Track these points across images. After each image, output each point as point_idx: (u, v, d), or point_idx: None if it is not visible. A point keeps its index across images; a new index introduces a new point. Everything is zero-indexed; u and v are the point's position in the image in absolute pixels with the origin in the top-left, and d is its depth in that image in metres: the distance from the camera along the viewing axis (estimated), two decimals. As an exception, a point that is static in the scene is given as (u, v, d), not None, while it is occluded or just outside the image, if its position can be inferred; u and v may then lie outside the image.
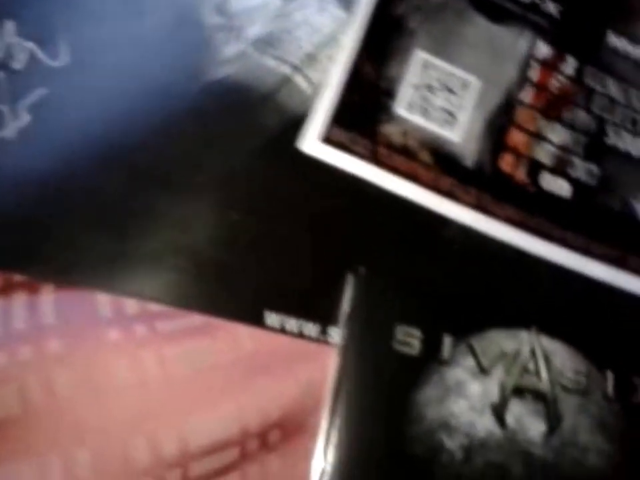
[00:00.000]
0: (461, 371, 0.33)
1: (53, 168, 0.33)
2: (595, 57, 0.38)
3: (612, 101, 0.38)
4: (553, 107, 0.38)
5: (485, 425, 0.32)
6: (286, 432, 0.32)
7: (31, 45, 0.35)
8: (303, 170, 0.35)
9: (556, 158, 0.37)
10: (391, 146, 0.36)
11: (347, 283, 0.34)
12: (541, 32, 0.38)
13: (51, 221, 0.33)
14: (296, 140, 0.35)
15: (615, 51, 0.39)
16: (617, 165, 0.38)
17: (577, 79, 0.38)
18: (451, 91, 0.36)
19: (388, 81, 0.36)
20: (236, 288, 0.34)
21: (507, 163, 0.37)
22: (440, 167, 0.36)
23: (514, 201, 0.37)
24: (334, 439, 0.31)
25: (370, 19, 0.36)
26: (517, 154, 0.37)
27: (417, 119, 0.36)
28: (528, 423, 0.33)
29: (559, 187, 0.37)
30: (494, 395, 0.33)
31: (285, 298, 0.34)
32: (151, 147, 0.34)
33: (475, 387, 0.33)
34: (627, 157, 0.38)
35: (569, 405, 0.33)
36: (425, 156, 0.36)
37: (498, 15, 0.37)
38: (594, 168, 0.37)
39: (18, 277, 0.32)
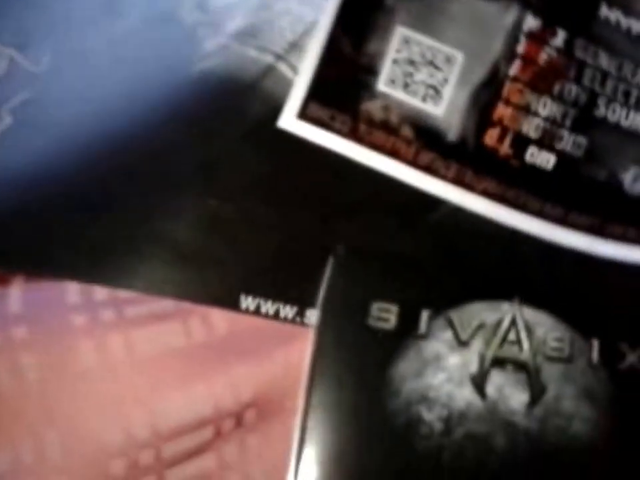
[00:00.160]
0: (438, 344, 0.33)
1: (34, 166, 0.34)
2: (587, 29, 0.38)
3: (603, 73, 0.38)
4: (542, 81, 0.37)
5: (465, 396, 0.32)
6: (263, 412, 0.32)
7: (11, 51, 0.36)
8: (282, 152, 0.35)
9: (543, 131, 0.37)
10: (371, 122, 0.35)
11: (327, 263, 0.34)
12: (529, 5, 0.37)
13: (26, 214, 0.33)
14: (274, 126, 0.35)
15: (608, 23, 0.38)
16: (606, 137, 0.37)
17: (567, 51, 0.37)
18: (434, 65, 0.36)
19: (368, 57, 0.36)
20: (211, 273, 0.34)
21: (491, 137, 0.36)
22: (421, 141, 0.35)
23: (495, 174, 0.36)
24: (312, 418, 0.31)
25: None
26: (503, 128, 0.36)
27: (399, 94, 0.36)
28: (509, 393, 0.32)
29: (544, 159, 0.36)
30: (473, 366, 0.32)
31: (262, 281, 0.34)
32: (133, 141, 0.34)
33: (453, 359, 0.32)
34: (616, 128, 0.37)
35: (552, 374, 0.32)
36: (407, 131, 0.35)
37: None
38: (582, 140, 0.37)
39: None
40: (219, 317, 0.33)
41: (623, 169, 0.37)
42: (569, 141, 0.37)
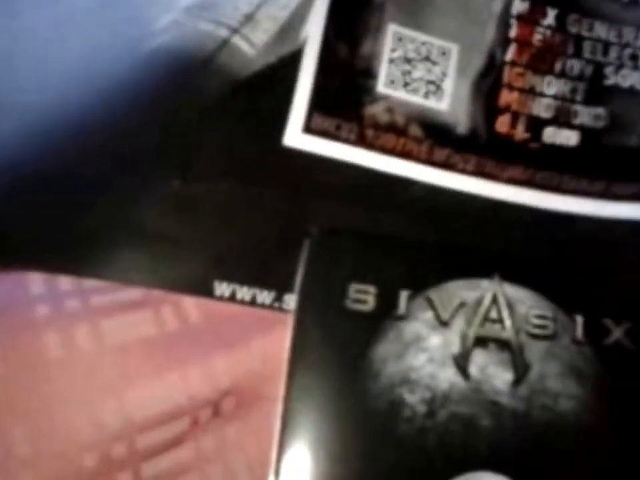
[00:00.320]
0: (419, 325, 0.32)
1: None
2: (576, 3, 0.37)
3: (604, 43, 0.37)
4: (540, 61, 0.37)
5: (447, 377, 0.31)
6: (242, 400, 0.31)
7: None
8: (249, 132, 0.34)
9: (556, 110, 0.36)
10: (377, 126, 0.35)
11: (303, 246, 0.33)
12: None
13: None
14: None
15: None
16: (623, 103, 0.37)
17: (560, 28, 0.37)
18: (430, 60, 0.36)
19: (364, 60, 0.35)
20: (181, 259, 0.33)
21: (502, 123, 0.36)
22: (432, 139, 0.35)
23: (518, 160, 0.35)
24: (293, 405, 0.30)
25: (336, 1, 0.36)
26: (512, 113, 0.36)
27: (400, 94, 0.35)
28: (493, 372, 0.31)
29: (564, 137, 0.36)
30: (455, 346, 0.32)
31: (236, 266, 0.33)
32: (92, 122, 0.33)
33: (434, 340, 0.32)
34: (632, 92, 0.37)
35: (536, 352, 0.32)
36: (415, 130, 0.35)
37: None
38: (599, 111, 0.36)
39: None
40: (193, 305, 0.32)
41: None
42: (586, 115, 0.36)
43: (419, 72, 0.35)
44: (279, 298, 0.33)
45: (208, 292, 0.32)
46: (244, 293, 0.33)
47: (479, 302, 0.32)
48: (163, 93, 0.34)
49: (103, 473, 0.28)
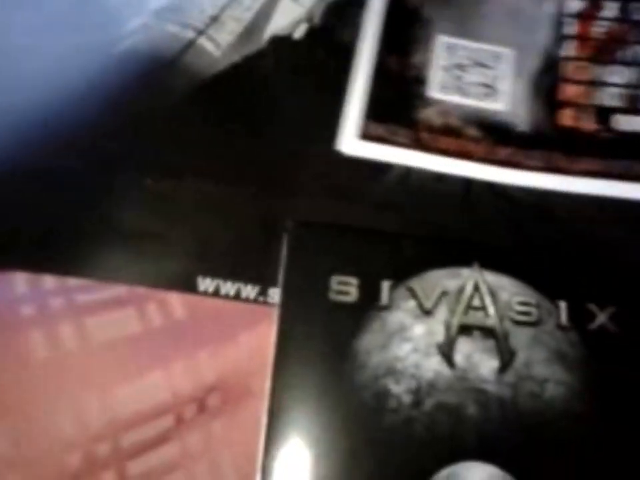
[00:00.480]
0: (402, 315, 0.32)
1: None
2: None
3: None
4: (603, 52, 0.38)
5: (433, 366, 0.31)
6: (228, 396, 0.31)
7: None
8: (224, 127, 0.34)
9: (624, 97, 0.36)
10: (432, 129, 0.35)
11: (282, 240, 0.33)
12: None
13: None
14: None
15: None
16: None
17: (624, 18, 0.37)
18: (483, 65, 0.37)
19: (415, 69, 0.36)
20: (165, 256, 0.33)
21: (567, 117, 0.36)
22: (492, 138, 0.35)
23: (588, 151, 0.35)
24: (280, 399, 0.30)
25: (385, 13, 0.37)
26: (576, 106, 0.36)
27: (454, 98, 0.36)
28: (478, 360, 0.31)
29: (637, 123, 0.36)
30: (439, 335, 0.31)
31: (220, 261, 0.33)
32: (65, 123, 0.34)
33: (418, 329, 0.31)
34: None
35: (520, 338, 0.32)
36: (472, 131, 0.36)
37: None
38: None
39: None
40: (177, 301, 0.32)
41: None
42: None
43: (472, 76, 0.36)
44: (263, 292, 0.33)
45: (192, 288, 0.32)
46: (228, 287, 0.33)
47: (460, 290, 0.32)
48: (133, 92, 0.34)
49: (87, 472, 0.28)
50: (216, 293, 0.32)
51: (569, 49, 0.37)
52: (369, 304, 0.32)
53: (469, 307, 0.32)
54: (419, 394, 0.30)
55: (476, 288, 0.32)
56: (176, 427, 0.30)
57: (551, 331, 0.32)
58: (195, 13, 0.36)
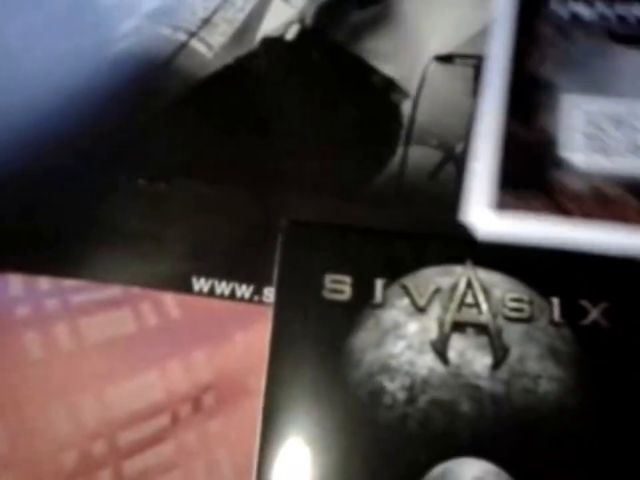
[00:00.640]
0: (396, 312, 0.32)
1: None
2: None
3: None
4: None
5: (427, 363, 0.31)
6: (223, 395, 0.31)
7: None
8: (218, 128, 0.34)
9: None
10: (574, 195, 0.33)
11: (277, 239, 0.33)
12: None
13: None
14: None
15: None
16: None
17: None
18: (621, 122, 0.34)
19: (544, 133, 0.34)
20: (159, 257, 0.33)
21: None
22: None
23: None
24: (276, 397, 0.30)
25: (506, 83, 0.35)
26: None
27: (597, 159, 0.34)
28: (472, 357, 0.31)
29: None
30: (433, 332, 0.32)
31: (214, 261, 0.33)
32: (60, 124, 0.34)
33: (412, 327, 0.32)
34: None
35: (514, 335, 0.32)
36: (618, 191, 0.33)
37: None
38: None
39: None
40: (172, 301, 0.32)
41: None
42: None
43: (611, 133, 0.34)
44: (258, 291, 0.33)
45: (187, 288, 0.33)
46: (223, 287, 0.33)
47: (454, 287, 0.32)
48: (126, 94, 0.34)
49: (83, 472, 0.28)
50: (211, 293, 0.33)
51: None
52: (363, 302, 0.32)
53: (462, 303, 0.32)
54: (413, 391, 0.31)
55: (469, 285, 0.32)
56: (172, 426, 0.30)
57: (544, 327, 0.32)
58: (187, 15, 0.36)
